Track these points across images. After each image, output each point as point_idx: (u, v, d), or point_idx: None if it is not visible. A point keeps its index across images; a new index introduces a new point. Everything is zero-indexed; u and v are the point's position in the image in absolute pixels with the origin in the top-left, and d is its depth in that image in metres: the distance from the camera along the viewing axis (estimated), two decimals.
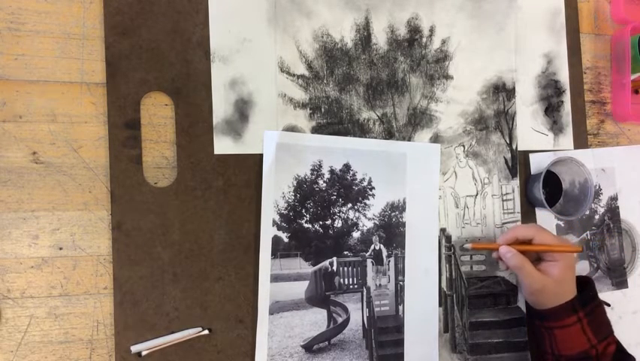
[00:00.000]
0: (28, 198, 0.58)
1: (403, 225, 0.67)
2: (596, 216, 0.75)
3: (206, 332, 0.61)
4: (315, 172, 0.65)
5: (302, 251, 0.64)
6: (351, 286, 0.66)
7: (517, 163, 0.72)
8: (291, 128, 0.65)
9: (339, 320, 0.65)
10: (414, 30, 0.69)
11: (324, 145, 0.65)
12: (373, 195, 0.67)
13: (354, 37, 0.67)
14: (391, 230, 0.67)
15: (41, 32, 0.59)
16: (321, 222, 0.65)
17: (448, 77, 0.70)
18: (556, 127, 0.74)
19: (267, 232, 0.63)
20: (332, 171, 0.65)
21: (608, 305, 0.62)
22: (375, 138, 0.67)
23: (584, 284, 0.62)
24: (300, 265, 0.64)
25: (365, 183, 0.66)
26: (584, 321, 0.58)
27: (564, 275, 0.59)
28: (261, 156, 0.63)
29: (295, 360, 0.63)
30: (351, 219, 0.66)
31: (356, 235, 0.66)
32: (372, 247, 0.67)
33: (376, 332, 0.66)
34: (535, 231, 0.61)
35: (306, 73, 0.65)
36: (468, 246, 0.64)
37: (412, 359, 0.66)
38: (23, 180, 0.58)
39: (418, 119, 0.69)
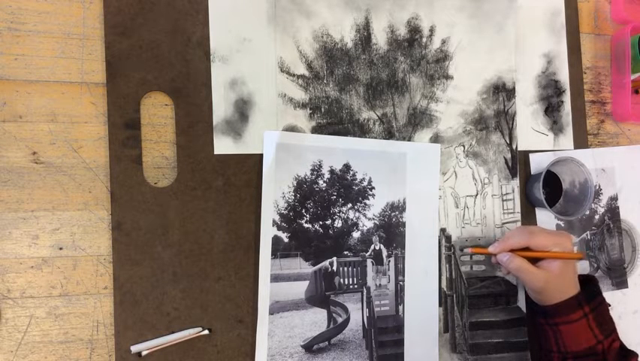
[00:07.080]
0: (28, 198, 0.58)
1: (403, 225, 0.67)
2: (596, 216, 0.75)
3: (206, 332, 0.61)
4: (315, 172, 0.65)
5: (302, 251, 0.64)
6: (351, 286, 0.66)
7: (517, 163, 0.72)
8: (291, 128, 0.65)
9: (339, 320, 0.65)
10: (414, 30, 0.69)
11: (324, 145, 0.65)
12: (373, 195, 0.67)
13: (354, 37, 0.67)
14: (391, 230, 0.67)
15: (41, 32, 0.59)
16: (321, 222, 0.65)
17: (448, 77, 0.70)
18: (556, 127, 0.74)
19: (267, 232, 0.63)
20: (332, 171, 0.65)
21: (609, 305, 0.62)
22: (375, 138, 0.67)
23: (588, 281, 0.62)
24: (300, 265, 0.64)
25: (365, 183, 0.66)
26: (589, 316, 0.58)
27: (564, 269, 0.59)
28: (261, 156, 0.63)
29: (295, 360, 0.63)
30: (351, 219, 0.66)
31: (356, 235, 0.66)
32: (372, 247, 0.66)
33: (376, 332, 0.66)
34: (528, 236, 0.60)
35: (306, 73, 0.65)
36: (468, 251, 0.64)
37: (411, 359, 0.66)
38: (23, 180, 0.58)
39: (418, 119, 0.69)
